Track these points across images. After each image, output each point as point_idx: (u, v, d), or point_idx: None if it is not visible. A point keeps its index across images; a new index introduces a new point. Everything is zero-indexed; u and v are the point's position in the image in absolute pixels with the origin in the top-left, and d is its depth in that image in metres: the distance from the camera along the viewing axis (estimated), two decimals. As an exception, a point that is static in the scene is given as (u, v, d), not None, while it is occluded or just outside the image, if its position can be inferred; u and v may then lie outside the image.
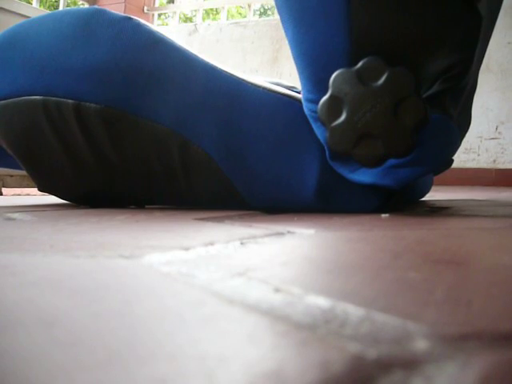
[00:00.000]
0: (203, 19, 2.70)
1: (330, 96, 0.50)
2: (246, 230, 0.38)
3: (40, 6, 2.26)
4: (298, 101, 0.56)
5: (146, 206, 0.64)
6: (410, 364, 0.12)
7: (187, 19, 4.94)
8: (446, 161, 0.51)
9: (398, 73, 0.49)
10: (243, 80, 0.58)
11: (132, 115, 0.56)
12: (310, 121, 0.54)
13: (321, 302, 0.17)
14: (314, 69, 0.53)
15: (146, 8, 2.57)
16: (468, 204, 0.72)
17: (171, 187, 0.59)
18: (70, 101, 0.57)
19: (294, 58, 0.55)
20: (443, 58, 0.50)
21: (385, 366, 0.12)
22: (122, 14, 0.59)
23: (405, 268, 0.23)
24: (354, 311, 0.16)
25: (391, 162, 0.51)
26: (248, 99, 0.57)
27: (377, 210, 0.55)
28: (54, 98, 0.57)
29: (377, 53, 0.50)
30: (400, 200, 0.59)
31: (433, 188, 1.58)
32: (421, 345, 0.13)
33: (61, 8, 2.40)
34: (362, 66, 0.49)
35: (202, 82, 0.57)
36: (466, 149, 2.09)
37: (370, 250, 0.29)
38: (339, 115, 0.50)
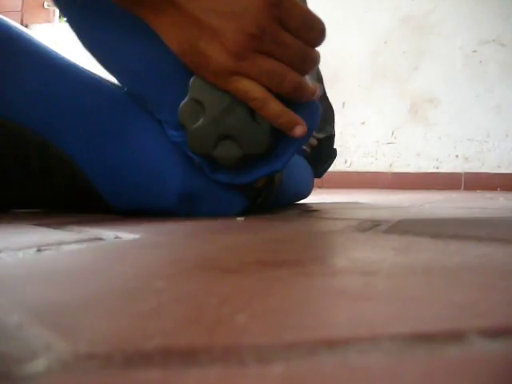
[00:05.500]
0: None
1: (190, 99, 0.50)
2: (71, 235, 0.37)
3: None
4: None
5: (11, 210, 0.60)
6: None
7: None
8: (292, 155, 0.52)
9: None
10: (104, 80, 0.56)
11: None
12: (165, 127, 0.54)
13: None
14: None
15: (46, 3, 2.48)
16: (338, 207, 0.74)
17: (30, 189, 0.56)
18: None
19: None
20: None
21: None
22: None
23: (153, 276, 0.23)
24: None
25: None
26: (109, 100, 0.55)
27: (243, 213, 0.55)
28: None
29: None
30: (267, 203, 0.59)
31: (327, 191, 1.62)
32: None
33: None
34: (218, 69, 0.49)
35: (60, 79, 0.55)
36: (365, 153, 2.16)
37: (147, 257, 0.29)
38: (199, 118, 0.49)
